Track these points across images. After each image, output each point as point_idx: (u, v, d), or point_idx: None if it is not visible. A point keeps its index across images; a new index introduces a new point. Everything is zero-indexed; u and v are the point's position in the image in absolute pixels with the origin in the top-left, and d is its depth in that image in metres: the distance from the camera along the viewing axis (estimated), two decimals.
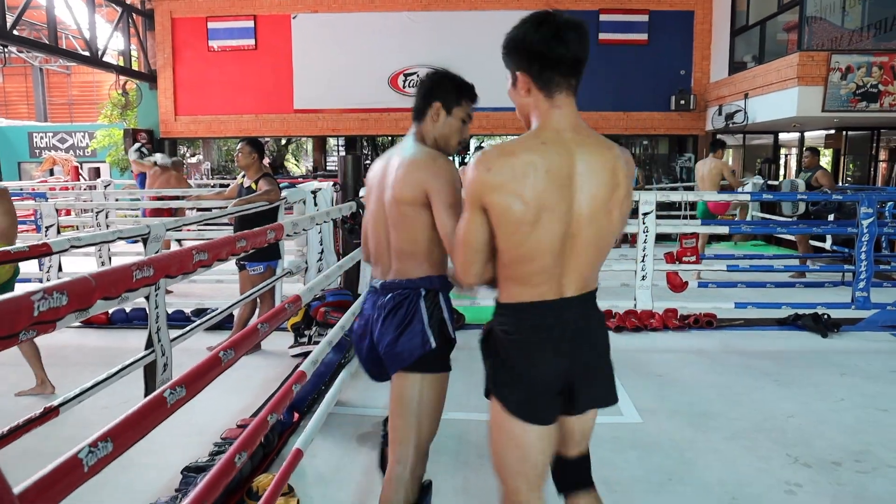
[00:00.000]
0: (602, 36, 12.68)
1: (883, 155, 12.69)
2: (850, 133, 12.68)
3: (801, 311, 5.04)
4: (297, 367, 2.93)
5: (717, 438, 3.09)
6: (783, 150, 13.80)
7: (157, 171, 7.14)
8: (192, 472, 2.61)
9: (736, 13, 11.80)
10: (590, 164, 1.44)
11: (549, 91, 1.47)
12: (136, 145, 8.64)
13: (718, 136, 8.26)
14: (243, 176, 4.64)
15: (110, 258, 6.01)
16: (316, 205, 4.97)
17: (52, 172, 15.36)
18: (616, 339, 4.87)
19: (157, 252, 2.83)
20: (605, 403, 1.61)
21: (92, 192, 7.44)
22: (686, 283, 4.92)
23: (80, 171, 13.51)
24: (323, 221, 3.04)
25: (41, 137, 17.44)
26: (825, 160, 15.51)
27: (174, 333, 2.72)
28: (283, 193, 4.67)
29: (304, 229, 3.73)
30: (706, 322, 5.05)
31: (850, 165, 13.48)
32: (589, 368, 1.56)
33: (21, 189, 10.21)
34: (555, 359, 1.50)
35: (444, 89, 1.92)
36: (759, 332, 5.04)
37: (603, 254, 1.55)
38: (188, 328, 3.31)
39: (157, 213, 6.54)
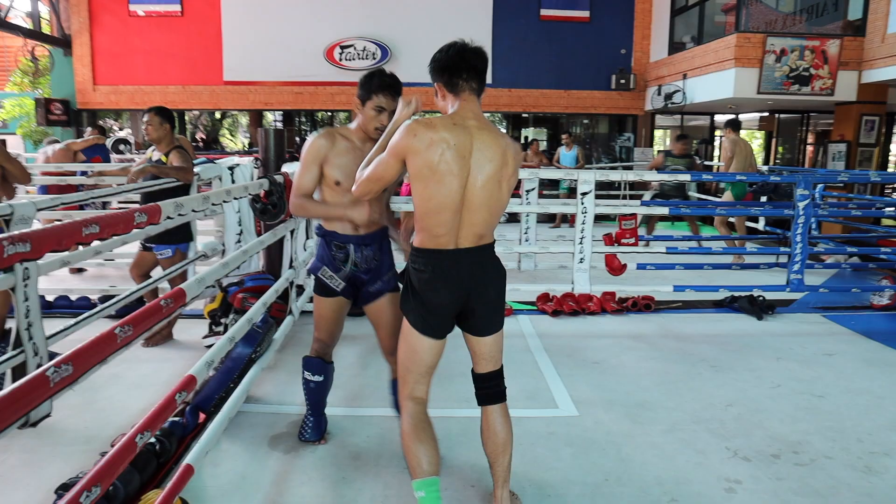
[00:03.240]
0: (544, 12, 12.47)
1: (811, 138, 13.05)
2: (781, 116, 12.97)
3: (737, 294, 5.00)
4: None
5: (655, 431, 2.94)
6: (718, 132, 14.00)
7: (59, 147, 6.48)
8: (67, 491, 2.26)
9: None
10: (485, 144, 1.99)
11: (456, 92, 2.05)
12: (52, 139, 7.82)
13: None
14: (153, 150, 4.19)
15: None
16: (234, 181, 4.57)
17: None
18: (553, 324, 4.71)
19: None
20: (494, 330, 2.16)
21: None
22: (625, 265, 4.79)
23: None
24: (237, 197, 2.69)
25: None
26: (757, 142, 15.91)
27: (63, 325, 2.34)
28: (197, 169, 4.24)
29: (214, 205, 3.36)
30: (644, 305, 4.95)
31: (780, 148, 13.83)
32: (481, 303, 2.09)
33: None
34: (447, 292, 2.04)
35: (360, 84, 2.45)
36: (696, 315, 4.97)
37: (494, 216, 2.06)
38: (78, 319, 2.91)
39: (60, 191, 5.93)
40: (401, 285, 2.19)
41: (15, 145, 13.00)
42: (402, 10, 12.06)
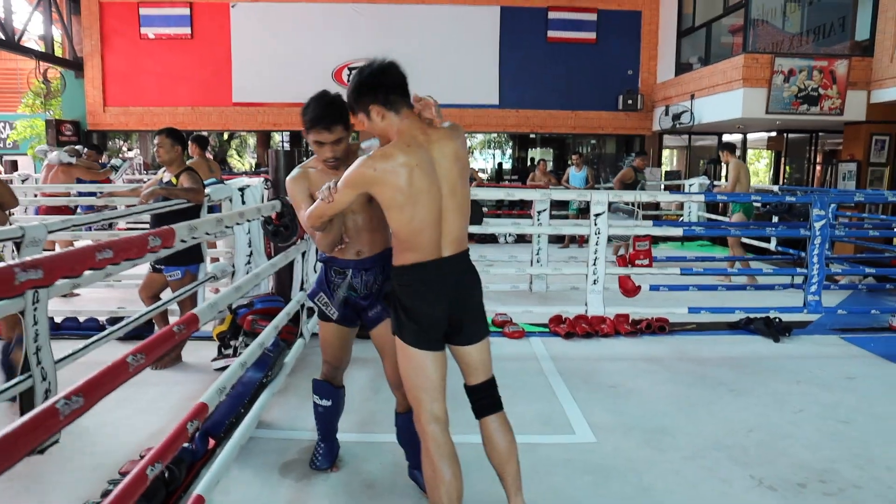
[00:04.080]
0: (551, 34, 12.55)
1: (819, 158, 13.00)
2: (790, 136, 12.93)
3: (752, 316, 4.91)
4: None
5: (677, 458, 2.86)
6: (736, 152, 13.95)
7: (58, 168, 6.46)
8: None
9: (682, 15, 11.85)
10: (441, 152, 1.99)
11: (396, 110, 2.00)
12: (43, 147, 7.89)
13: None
14: (164, 171, 4.18)
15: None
16: (244, 203, 4.54)
17: None
18: (566, 346, 4.64)
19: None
20: (481, 338, 2.15)
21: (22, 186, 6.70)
22: (639, 287, 4.72)
23: None
24: (249, 219, 2.65)
25: None
26: (764, 162, 15.87)
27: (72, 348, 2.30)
28: (207, 191, 4.23)
29: (227, 227, 3.33)
30: (659, 327, 4.87)
31: (788, 168, 13.78)
32: (466, 311, 2.10)
33: None
34: (437, 302, 2.03)
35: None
36: (711, 337, 4.89)
37: (466, 217, 2.09)
38: (88, 343, 2.87)
39: (53, 211, 5.88)
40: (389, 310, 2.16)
41: (26, 166, 13.11)
42: (410, 31, 12.16)
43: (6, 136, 15.67)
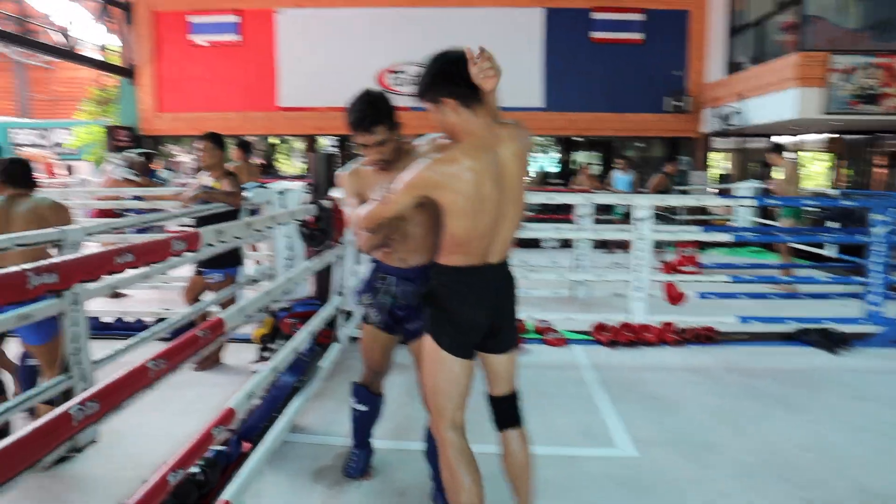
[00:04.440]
0: (595, 35, 12.34)
1: (881, 160, 12.40)
2: (847, 137, 12.38)
3: (808, 326, 4.68)
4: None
5: (722, 477, 2.72)
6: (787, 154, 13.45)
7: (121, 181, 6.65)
8: None
9: (733, 13, 11.49)
10: (507, 156, 1.90)
11: (470, 107, 1.87)
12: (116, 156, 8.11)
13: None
14: (206, 175, 4.24)
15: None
16: (284, 207, 4.57)
17: None
18: (609, 355, 4.50)
19: None
20: (513, 346, 2.13)
21: (49, 191, 6.94)
22: (685, 294, 4.55)
23: (52, 168, 13.02)
24: (281, 223, 2.64)
25: (20, 134, 16.91)
26: (820, 165, 15.23)
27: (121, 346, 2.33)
28: (247, 194, 4.27)
29: (257, 231, 3.34)
30: (706, 337, 4.68)
31: (847, 171, 13.18)
32: (504, 318, 2.06)
33: None
34: (478, 308, 1.97)
35: None
36: (762, 348, 4.67)
37: (518, 225, 2.01)
38: (128, 343, 2.91)
39: (103, 214, 6.06)
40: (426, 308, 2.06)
41: (85, 171, 13.61)
42: (453, 35, 12.07)
43: (67, 143, 16.34)
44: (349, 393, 2.66)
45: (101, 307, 5.54)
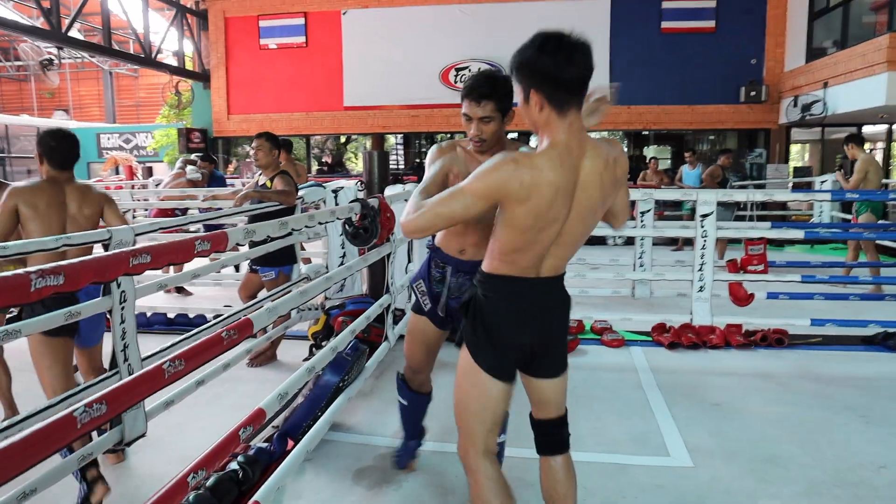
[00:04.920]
0: (665, 24, 11.89)
1: None
2: None
3: (891, 330, 4.31)
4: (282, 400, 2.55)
5: (787, 494, 2.52)
6: (867, 145, 12.58)
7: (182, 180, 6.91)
8: None
9: None
10: (591, 172, 1.64)
11: (561, 109, 1.60)
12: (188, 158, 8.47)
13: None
14: (260, 174, 4.32)
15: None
16: (337, 205, 4.61)
17: (116, 171, 15.72)
18: (669, 358, 4.30)
19: None
20: (563, 370, 1.90)
21: (133, 191, 7.32)
22: (752, 295, 4.28)
23: (133, 170, 13.74)
24: (321, 222, 2.64)
25: (108, 138, 17.95)
26: None
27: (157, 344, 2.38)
28: (301, 193, 4.32)
29: (302, 228, 3.36)
30: (776, 340, 4.39)
31: None
32: (552, 338, 1.85)
33: None
34: (524, 325, 1.77)
35: None
36: (839, 353, 4.34)
37: (580, 245, 1.80)
38: (179, 339, 2.98)
39: (163, 213, 6.33)
40: (465, 318, 1.87)
41: (162, 171, 14.29)
42: (517, 29, 11.93)
43: (147, 145, 17.22)
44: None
45: (164, 303, 5.77)
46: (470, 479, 1.86)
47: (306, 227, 2.27)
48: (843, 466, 2.75)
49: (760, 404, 3.46)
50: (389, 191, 4.47)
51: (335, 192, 4.64)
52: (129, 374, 2.55)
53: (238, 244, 2.42)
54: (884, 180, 6.99)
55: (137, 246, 1.45)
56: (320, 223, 2.46)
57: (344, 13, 12.85)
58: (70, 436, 1.06)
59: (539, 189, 1.57)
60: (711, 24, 11.77)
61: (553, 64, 1.55)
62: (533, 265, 1.73)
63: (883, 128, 11.66)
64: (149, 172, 13.75)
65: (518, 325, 1.77)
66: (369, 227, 3.11)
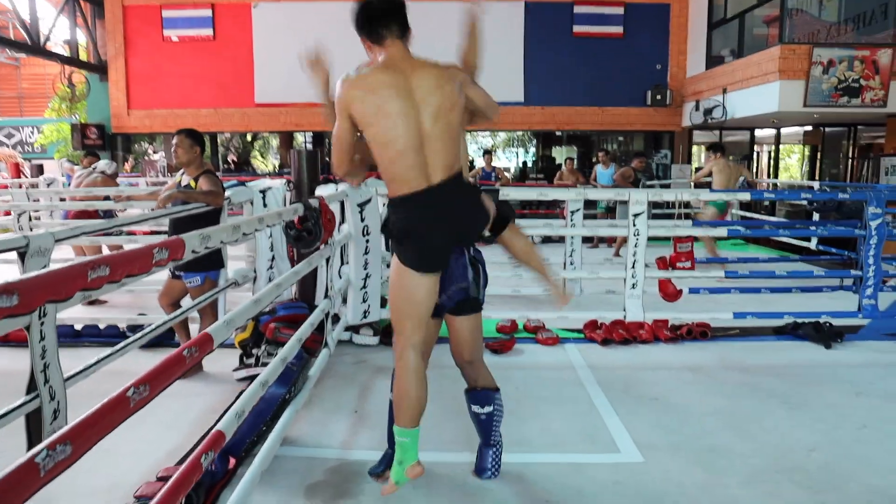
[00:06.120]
0: (576, 29, 12.27)
1: (856, 152, 12.53)
2: (827, 129, 12.49)
3: (800, 320, 4.63)
4: (222, 417, 2.36)
5: (734, 483, 2.62)
6: (756, 148, 13.56)
7: (97, 176, 6.36)
8: None
9: (713, 6, 11.49)
10: (424, 79, 2.06)
11: (380, 43, 2.16)
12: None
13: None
14: (182, 173, 4.04)
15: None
16: (265, 205, 4.39)
17: None
18: (604, 354, 4.40)
19: (43, 268, 2.24)
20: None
21: (14, 191, 6.65)
22: (680, 291, 4.47)
23: (20, 167, 12.60)
24: (270, 225, 2.47)
25: None
26: (796, 157, 15.36)
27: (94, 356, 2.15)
28: (228, 193, 4.08)
29: (245, 234, 3.17)
30: (700, 333, 4.61)
31: (825, 163, 13.30)
32: (464, 235, 2.22)
33: None
34: (431, 231, 2.10)
35: None
36: (756, 343, 4.61)
37: (455, 143, 2.12)
38: (104, 355, 2.72)
39: (82, 215, 5.80)
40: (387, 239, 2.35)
41: (53, 170, 13.18)
42: (432, 28, 11.90)
43: (34, 141, 15.84)
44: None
45: (73, 314, 5.29)
46: (396, 367, 2.22)
47: (256, 230, 2.12)
48: (778, 453, 2.89)
49: (695, 396, 3.60)
50: (321, 191, 4.31)
51: (263, 192, 4.41)
52: (51, 398, 2.29)
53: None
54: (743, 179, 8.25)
55: (94, 257, 1.28)
56: (268, 226, 2.30)
57: (255, 6, 12.37)
58: (32, 487, 0.90)
59: (370, 87, 2.02)
60: (619, 29, 12.27)
61: (360, 11, 2.16)
62: (417, 176, 2.06)
63: (772, 131, 12.60)
64: (39, 170, 12.64)
65: (429, 221, 2.10)
66: (312, 230, 2.96)
